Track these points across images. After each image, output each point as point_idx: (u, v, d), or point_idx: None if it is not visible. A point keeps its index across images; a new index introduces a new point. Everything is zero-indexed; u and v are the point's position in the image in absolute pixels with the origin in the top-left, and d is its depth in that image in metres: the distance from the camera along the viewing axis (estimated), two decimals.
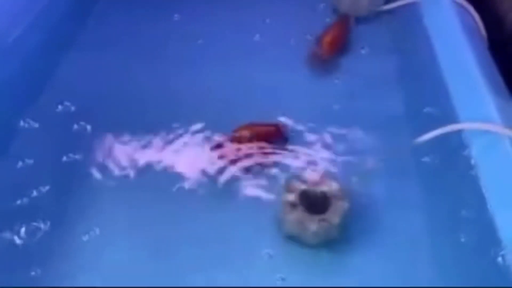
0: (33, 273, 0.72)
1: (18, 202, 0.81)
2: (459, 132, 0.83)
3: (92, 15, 1.23)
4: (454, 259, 0.74)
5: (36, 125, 0.94)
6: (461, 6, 1.08)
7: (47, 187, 0.83)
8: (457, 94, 0.89)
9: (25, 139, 0.92)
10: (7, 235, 0.76)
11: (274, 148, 0.90)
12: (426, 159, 0.86)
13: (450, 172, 0.82)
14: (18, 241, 0.76)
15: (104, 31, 1.18)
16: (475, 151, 0.79)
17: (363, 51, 1.14)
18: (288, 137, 0.92)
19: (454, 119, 0.85)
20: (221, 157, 0.88)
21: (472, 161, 0.78)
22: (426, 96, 0.97)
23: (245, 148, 0.89)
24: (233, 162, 0.88)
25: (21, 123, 0.93)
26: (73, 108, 0.97)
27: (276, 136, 0.92)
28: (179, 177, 0.86)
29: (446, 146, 0.84)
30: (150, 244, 0.77)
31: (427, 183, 0.85)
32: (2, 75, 0.95)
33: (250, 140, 0.90)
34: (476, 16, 1.07)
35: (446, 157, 0.84)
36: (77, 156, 0.89)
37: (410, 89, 1.03)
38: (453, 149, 0.83)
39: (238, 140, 0.90)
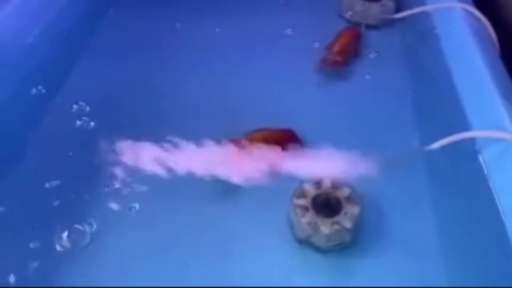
0: None
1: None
2: (470, 140, 0.83)
3: (106, 18, 1.25)
4: (466, 265, 0.74)
5: (51, 124, 0.95)
6: (473, 15, 1.08)
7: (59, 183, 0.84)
8: (469, 102, 0.89)
9: (39, 139, 0.93)
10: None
11: (287, 151, 0.90)
12: (437, 166, 0.87)
13: (461, 180, 0.83)
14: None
15: (117, 35, 1.20)
16: (487, 159, 0.79)
17: (373, 59, 1.15)
18: (302, 142, 0.93)
19: (466, 127, 0.85)
20: (232, 159, 0.89)
21: (484, 169, 0.78)
22: (438, 104, 0.98)
23: (257, 151, 0.89)
24: (245, 164, 0.88)
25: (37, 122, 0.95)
26: (88, 109, 0.99)
27: (290, 141, 0.93)
28: (191, 179, 0.86)
29: (457, 153, 0.84)
30: (163, 244, 0.78)
31: (439, 190, 0.85)
32: (21, 73, 0.96)
33: (262, 144, 0.90)
34: (488, 25, 1.07)
35: (457, 165, 0.85)
36: (89, 158, 0.89)
37: (422, 97, 1.03)
38: (465, 156, 0.83)
39: (250, 143, 0.90)
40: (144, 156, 0.89)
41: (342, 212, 0.77)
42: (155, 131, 0.93)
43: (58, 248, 0.77)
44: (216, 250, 0.77)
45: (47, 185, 0.85)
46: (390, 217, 0.81)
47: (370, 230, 0.79)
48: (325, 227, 0.75)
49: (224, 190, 0.85)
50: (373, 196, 0.82)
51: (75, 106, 0.99)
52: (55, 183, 0.85)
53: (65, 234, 0.78)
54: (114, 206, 0.83)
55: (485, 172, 0.77)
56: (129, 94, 1.04)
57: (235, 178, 0.85)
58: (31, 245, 0.77)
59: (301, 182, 0.82)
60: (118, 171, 0.87)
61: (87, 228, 0.79)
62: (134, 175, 0.86)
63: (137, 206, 0.83)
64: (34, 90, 1.01)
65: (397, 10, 1.25)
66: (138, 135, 0.92)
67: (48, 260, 0.75)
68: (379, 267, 0.76)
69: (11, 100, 0.96)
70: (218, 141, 0.91)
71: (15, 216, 0.81)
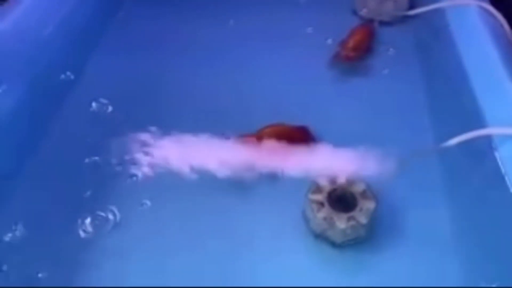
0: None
1: None
2: (487, 137, 0.82)
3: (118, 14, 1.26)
4: (482, 261, 0.74)
5: (67, 119, 0.96)
6: (487, 11, 1.08)
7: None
8: (485, 98, 0.89)
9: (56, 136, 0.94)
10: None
11: (301, 148, 0.91)
12: (453, 163, 0.87)
13: (477, 176, 0.82)
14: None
15: (131, 30, 1.21)
16: (504, 156, 0.79)
17: (387, 56, 1.15)
18: (315, 139, 0.93)
19: (482, 124, 0.85)
20: (246, 154, 0.89)
21: (501, 166, 0.78)
22: (453, 101, 0.98)
23: (270, 146, 0.89)
24: (257, 160, 0.88)
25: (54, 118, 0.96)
26: (103, 102, 0.99)
27: (303, 138, 0.93)
28: (205, 174, 0.87)
29: (473, 150, 0.84)
30: (180, 238, 0.79)
31: (454, 186, 0.85)
32: (37, 67, 0.97)
33: (275, 139, 0.91)
34: (504, 22, 1.07)
35: (473, 161, 0.85)
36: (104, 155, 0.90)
37: (436, 93, 1.03)
38: (480, 153, 0.83)
39: (263, 138, 0.90)
40: (158, 151, 0.90)
41: (358, 208, 0.77)
42: (167, 126, 0.94)
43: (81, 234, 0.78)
44: (231, 245, 0.78)
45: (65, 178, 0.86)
46: (405, 213, 0.81)
47: (385, 225, 0.79)
48: (341, 222, 0.75)
49: (238, 186, 0.85)
50: (388, 192, 0.82)
51: (90, 99, 1.00)
52: (72, 176, 0.86)
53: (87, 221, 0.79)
54: (127, 200, 0.83)
55: (502, 169, 0.77)
56: (144, 89, 1.05)
57: (247, 173, 0.86)
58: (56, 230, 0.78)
59: (316, 177, 0.83)
60: (132, 165, 0.88)
61: (101, 219, 0.80)
62: (146, 169, 0.87)
63: (149, 201, 0.84)
64: (50, 83, 1.02)
65: (411, 7, 1.24)
66: (151, 130, 0.93)
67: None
68: (393, 262, 0.76)
69: (27, 93, 0.97)
70: (230, 136, 0.92)
71: (39, 203, 0.83)
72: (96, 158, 0.89)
